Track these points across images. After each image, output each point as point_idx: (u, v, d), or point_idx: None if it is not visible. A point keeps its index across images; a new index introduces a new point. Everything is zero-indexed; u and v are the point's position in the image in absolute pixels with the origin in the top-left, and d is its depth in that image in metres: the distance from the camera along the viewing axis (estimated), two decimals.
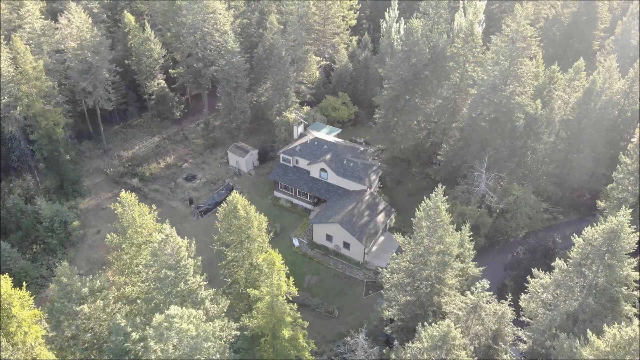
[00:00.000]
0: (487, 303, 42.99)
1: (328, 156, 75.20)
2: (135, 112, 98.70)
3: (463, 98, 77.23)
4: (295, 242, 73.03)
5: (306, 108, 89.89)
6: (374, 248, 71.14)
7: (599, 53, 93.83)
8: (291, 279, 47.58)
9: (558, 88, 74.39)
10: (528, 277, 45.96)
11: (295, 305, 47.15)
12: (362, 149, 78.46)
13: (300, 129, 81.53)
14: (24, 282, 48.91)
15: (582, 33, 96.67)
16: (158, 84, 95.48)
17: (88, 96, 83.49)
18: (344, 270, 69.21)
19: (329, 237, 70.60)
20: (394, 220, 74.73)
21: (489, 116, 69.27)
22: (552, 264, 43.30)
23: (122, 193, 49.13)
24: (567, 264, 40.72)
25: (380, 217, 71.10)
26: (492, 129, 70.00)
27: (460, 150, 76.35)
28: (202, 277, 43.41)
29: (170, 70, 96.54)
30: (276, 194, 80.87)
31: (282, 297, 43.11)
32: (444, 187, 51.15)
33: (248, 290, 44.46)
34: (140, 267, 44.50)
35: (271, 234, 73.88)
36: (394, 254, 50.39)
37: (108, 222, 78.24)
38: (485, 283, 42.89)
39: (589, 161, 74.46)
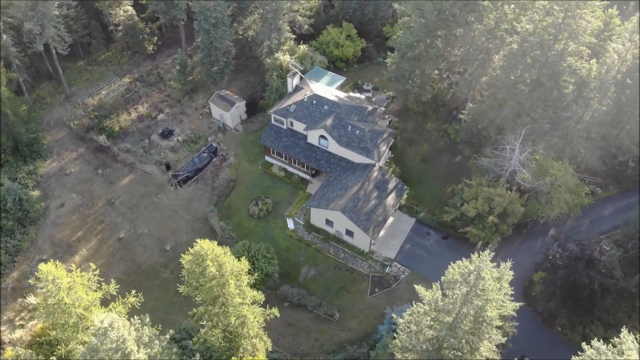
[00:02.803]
0: None
1: (329, 121, 62.20)
2: (101, 46, 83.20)
3: (497, 44, 62.36)
4: (290, 225, 62.64)
5: (302, 47, 74.68)
6: (382, 232, 60.92)
7: None
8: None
9: (615, 39, 59.46)
10: (585, 347, 36.00)
11: None
12: (370, 108, 65.10)
13: (296, 80, 67.38)
14: None
15: None
16: (125, 11, 79.17)
17: (38, 38, 68.06)
18: (346, 261, 59.60)
19: (329, 222, 60.13)
20: (405, 196, 63.60)
21: (531, 78, 55.42)
22: (617, 340, 33.22)
23: (42, 265, 36.99)
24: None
25: (390, 199, 60.00)
26: (533, 95, 56.43)
27: (489, 110, 63.21)
28: None
29: None
30: (268, 159, 68.92)
31: None
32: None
33: None
34: (78, 355, 34.36)
35: (262, 212, 63.54)
36: (414, 305, 40.12)
37: (73, 192, 67.64)
38: None
39: None
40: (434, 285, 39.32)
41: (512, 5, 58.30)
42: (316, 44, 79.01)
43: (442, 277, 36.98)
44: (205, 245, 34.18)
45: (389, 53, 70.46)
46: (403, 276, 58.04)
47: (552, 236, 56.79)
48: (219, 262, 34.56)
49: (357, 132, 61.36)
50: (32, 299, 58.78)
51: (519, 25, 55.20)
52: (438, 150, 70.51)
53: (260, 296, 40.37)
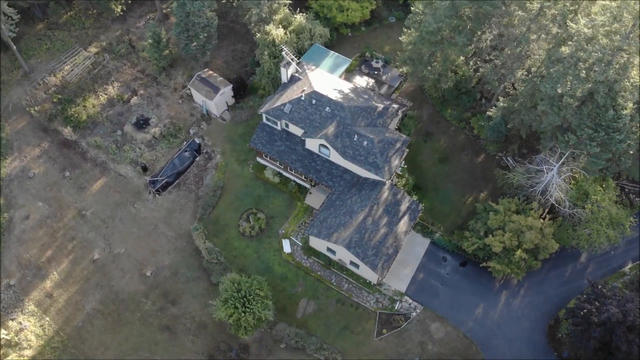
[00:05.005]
0: None
1: (331, 129, 51.96)
2: (61, 6, 69.76)
3: (538, 33, 50.20)
4: (286, 248, 54.85)
5: (299, 17, 61.75)
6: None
7: None
8: None
9: None
10: None
11: None
12: (380, 107, 54.31)
13: (291, 70, 55.84)
14: None
15: None
16: None
17: None
18: (350, 294, 52.62)
19: (331, 250, 52.34)
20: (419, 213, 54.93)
21: (583, 94, 44.55)
22: None
23: None
24: None
25: (403, 224, 51.52)
26: (583, 112, 45.82)
27: (522, 109, 52.87)
28: None
29: None
30: (260, 160, 59.41)
31: None
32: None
33: None
34: None
35: (254, 230, 55.66)
36: None
37: (38, 200, 59.37)
38: None
39: None
40: None
41: None
42: (316, 6, 65.66)
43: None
44: None
45: (405, 30, 57.92)
46: (414, 314, 51.36)
47: (587, 279, 49.27)
48: None
49: (365, 142, 51.38)
50: (2, 333, 53.19)
51: (573, 26, 43.04)
52: (458, 146, 60.61)
53: None
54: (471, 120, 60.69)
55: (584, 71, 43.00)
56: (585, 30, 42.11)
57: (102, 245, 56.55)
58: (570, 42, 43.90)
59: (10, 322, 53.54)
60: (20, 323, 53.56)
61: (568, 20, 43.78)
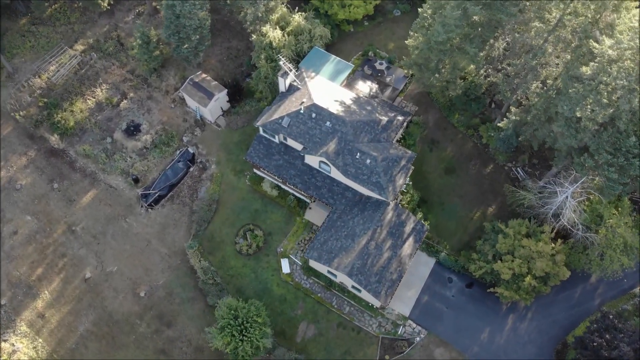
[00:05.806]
0: None
1: (332, 145, 48.86)
2: (43, 2, 65.29)
3: (555, 46, 46.36)
4: (285, 267, 52.63)
5: (297, 17, 57.53)
6: None
7: None
8: None
9: None
10: None
11: None
12: (384, 121, 50.99)
13: (289, 79, 52.20)
14: None
15: None
16: None
17: None
18: (351, 318, 50.73)
19: (332, 272, 50.13)
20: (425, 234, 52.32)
21: (603, 119, 41.20)
22: None
23: None
24: None
25: (407, 247, 49.07)
26: (602, 136, 42.60)
27: (535, 123, 49.62)
28: None
29: None
30: (257, 172, 56.49)
31: None
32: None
33: None
34: None
35: (251, 248, 53.41)
36: None
37: (27, 213, 56.89)
38: None
39: None
40: None
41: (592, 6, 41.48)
42: (316, 2, 61.18)
43: None
44: None
45: (411, 33, 53.88)
46: (418, 339, 49.59)
47: (601, 310, 47.25)
48: None
49: (368, 161, 48.37)
50: None
51: (597, 47, 39.33)
52: (465, 156, 57.54)
53: None
54: (480, 128, 57.45)
55: (605, 94, 39.53)
56: (610, 52, 38.43)
57: (94, 263, 54.39)
58: (591, 63, 40.19)
59: (2, 344, 51.96)
60: (13, 345, 51.95)
61: (591, 41, 39.96)
